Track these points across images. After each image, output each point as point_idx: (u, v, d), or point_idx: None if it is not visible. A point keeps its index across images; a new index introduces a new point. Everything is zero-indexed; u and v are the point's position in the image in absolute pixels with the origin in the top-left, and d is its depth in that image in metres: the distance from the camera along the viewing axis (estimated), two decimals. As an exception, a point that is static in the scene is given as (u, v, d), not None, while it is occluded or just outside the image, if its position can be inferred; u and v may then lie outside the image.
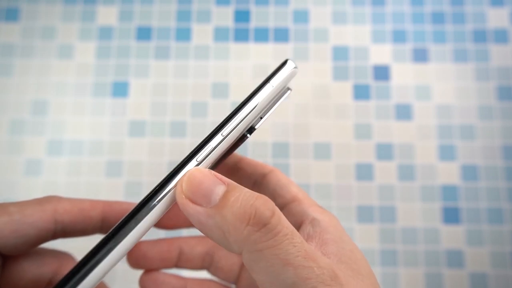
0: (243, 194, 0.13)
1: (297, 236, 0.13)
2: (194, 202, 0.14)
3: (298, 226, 0.17)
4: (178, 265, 0.20)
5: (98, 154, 0.38)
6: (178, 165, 0.15)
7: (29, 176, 0.38)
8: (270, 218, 0.13)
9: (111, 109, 0.39)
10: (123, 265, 0.18)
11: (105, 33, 0.41)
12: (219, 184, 0.14)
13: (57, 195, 0.18)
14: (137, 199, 0.39)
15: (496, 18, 0.40)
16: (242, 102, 0.16)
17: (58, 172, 0.38)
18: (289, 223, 0.14)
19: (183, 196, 0.14)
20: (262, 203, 0.13)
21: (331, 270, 0.13)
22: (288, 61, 0.17)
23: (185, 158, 0.15)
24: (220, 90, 0.39)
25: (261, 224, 0.13)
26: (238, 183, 0.15)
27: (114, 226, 0.14)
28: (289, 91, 0.18)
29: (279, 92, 0.17)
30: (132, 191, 0.37)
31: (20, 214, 0.16)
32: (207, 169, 0.14)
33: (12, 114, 0.39)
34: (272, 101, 0.17)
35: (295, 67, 0.17)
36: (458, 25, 0.40)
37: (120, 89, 0.39)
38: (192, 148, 0.15)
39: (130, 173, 0.38)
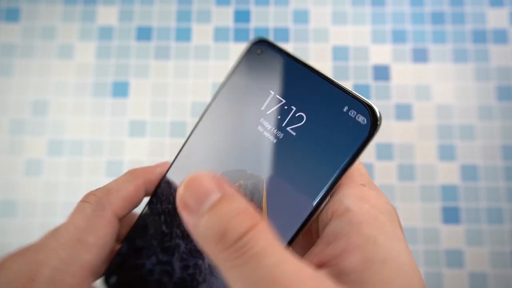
0: (228, 208, 0.12)
1: (271, 256, 0.11)
2: (185, 208, 0.12)
3: (328, 219, 0.15)
4: None
5: (98, 154, 0.38)
6: None
7: (29, 176, 0.38)
8: (241, 236, 0.11)
9: (111, 109, 0.39)
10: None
11: (105, 33, 0.41)
12: (214, 193, 0.12)
13: (110, 196, 0.17)
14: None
15: (495, 18, 0.40)
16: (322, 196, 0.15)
17: (58, 172, 0.38)
18: (274, 239, 0.12)
19: (179, 199, 0.13)
20: (239, 220, 0.12)
21: None
22: (378, 120, 0.15)
23: None
24: (220, 90, 0.39)
25: (229, 243, 0.12)
26: None
27: None
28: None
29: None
30: (132, 191, 0.37)
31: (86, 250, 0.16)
32: (210, 173, 0.13)
33: (12, 114, 0.39)
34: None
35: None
36: (458, 25, 0.40)
37: (120, 89, 0.39)
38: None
39: (130, 173, 0.38)
